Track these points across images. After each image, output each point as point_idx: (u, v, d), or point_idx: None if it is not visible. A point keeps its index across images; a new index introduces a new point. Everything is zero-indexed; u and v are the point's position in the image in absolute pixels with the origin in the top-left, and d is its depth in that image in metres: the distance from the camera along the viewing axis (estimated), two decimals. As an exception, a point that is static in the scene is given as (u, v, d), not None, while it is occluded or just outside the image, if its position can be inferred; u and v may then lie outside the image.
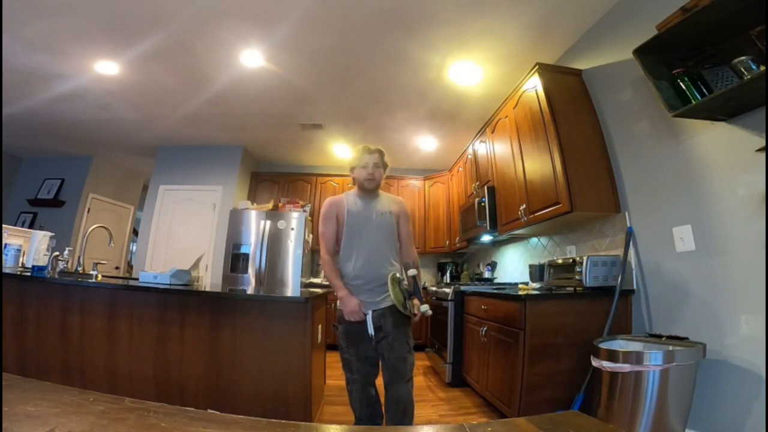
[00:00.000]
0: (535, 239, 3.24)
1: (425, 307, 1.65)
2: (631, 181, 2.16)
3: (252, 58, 2.96)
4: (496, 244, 4.01)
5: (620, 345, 1.77)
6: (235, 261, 4.16)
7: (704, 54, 1.61)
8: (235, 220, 4.26)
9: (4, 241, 2.43)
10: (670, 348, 1.58)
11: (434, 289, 3.64)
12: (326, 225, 1.81)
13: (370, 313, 1.68)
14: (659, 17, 1.71)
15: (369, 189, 1.82)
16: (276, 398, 1.83)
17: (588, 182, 2.22)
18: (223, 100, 3.69)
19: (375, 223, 1.78)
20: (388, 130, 4.29)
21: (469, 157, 3.95)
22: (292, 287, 3.99)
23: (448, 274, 4.91)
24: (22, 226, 4.60)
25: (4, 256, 2.38)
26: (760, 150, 1.43)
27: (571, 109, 2.39)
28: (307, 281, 4.59)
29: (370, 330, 1.65)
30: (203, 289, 2.12)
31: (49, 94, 3.58)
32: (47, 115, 4.07)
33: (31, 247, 2.45)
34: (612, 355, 1.59)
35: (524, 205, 2.62)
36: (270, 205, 4.52)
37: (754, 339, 1.47)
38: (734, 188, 1.59)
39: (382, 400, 1.73)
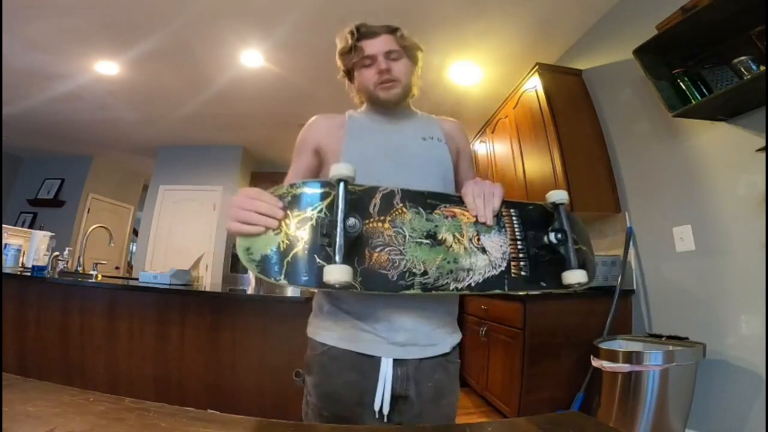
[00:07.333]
0: (535, 239, 3.24)
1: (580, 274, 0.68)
2: (631, 181, 2.15)
3: (252, 58, 2.96)
4: (496, 244, 4.00)
5: (620, 345, 1.77)
6: (235, 261, 4.17)
7: (704, 54, 1.61)
8: (235, 220, 4.26)
9: (4, 241, 2.43)
10: (670, 348, 1.58)
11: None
12: (296, 162, 0.88)
13: (387, 363, 0.72)
14: (659, 17, 1.71)
15: (389, 101, 0.84)
16: (276, 398, 1.83)
17: (588, 182, 2.22)
18: (223, 100, 3.69)
19: (413, 157, 0.85)
20: (388, 130, 4.29)
21: (469, 157, 3.94)
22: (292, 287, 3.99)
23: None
24: (22, 226, 4.59)
25: (4, 256, 2.38)
26: (760, 150, 1.43)
27: (571, 109, 2.39)
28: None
29: (378, 402, 0.70)
30: (203, 289, 2.12)
31: (49, 94, 3.58)
32: (47, 115, 4.07)
33: (31, 247, 2.45)
34: (612, 355, 1.59)
35: (524, 205, 2.62)
36: (270, 205, 4.52)
37: (753, 339, 1.47)
38: (734, 188, 1.59)
39: None
